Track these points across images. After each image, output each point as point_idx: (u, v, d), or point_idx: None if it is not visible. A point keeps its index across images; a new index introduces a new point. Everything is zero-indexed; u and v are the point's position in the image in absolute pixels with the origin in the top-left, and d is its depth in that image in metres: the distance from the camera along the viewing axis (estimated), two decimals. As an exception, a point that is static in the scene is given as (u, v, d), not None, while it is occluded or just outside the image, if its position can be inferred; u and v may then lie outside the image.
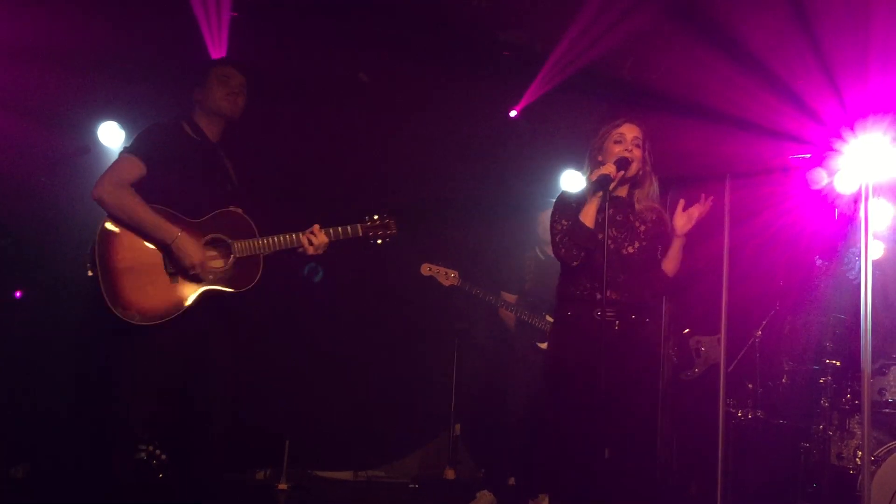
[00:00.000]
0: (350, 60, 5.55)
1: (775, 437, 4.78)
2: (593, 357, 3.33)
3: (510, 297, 5.34)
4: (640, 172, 3.63)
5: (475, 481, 5.65)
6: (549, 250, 5.40)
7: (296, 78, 5.47)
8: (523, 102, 5.65)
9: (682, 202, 3.66)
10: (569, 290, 3.61)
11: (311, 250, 3.52)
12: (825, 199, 5.13)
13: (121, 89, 5.13)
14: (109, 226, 3.33)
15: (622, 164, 3.50)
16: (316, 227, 3.55)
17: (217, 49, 4.91)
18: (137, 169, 3.38)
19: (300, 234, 3.52)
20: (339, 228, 3.59)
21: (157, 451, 4.90)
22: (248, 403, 5.52)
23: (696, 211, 3.64)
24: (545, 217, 5.42)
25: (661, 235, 3.69)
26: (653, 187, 3.68)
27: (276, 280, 5.60)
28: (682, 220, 3.63)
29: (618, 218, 3.61)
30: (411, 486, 5.93)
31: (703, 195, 3.69)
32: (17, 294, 5.02)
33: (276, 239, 3.50)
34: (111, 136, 5.14)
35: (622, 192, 3.66)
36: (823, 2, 4.51)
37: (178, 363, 3.38)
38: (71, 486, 4.37)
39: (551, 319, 5.16)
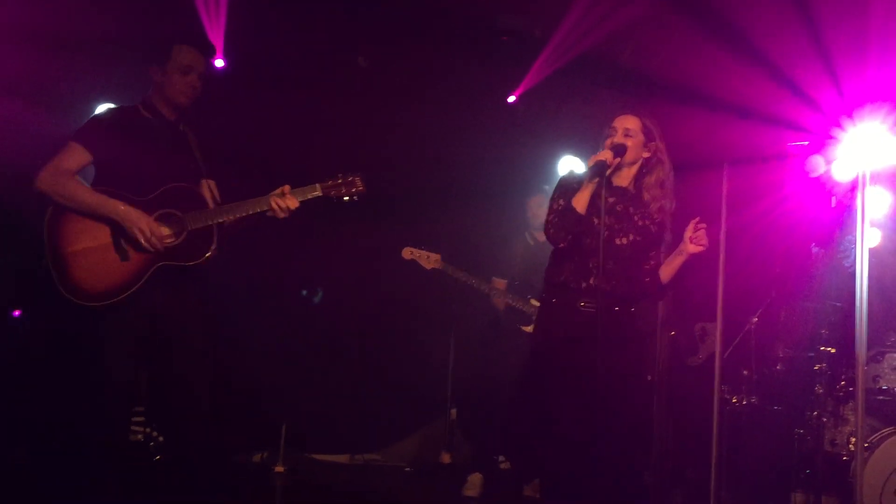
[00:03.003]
0: (348, 45, 5.54)
1: (770, 423, 4.79)
2: (575, 345, 3.34)
3: (500, 282, 5.36)
4: (641, 162, 3.61)
5: (473, 465, 5.68)
6: (538, 235, 5.48)
7: (293, 62, 5.46)
8: (522, 88, 5.64)
9: (694, 221, 3.58)
10: (555, 277, 3.62)
11: (280, 214, 3.44)
12: (823, 187, 5.13)
13: (117, 71, 5.11)
14: (55, 213, 3.34)
15: (618, 150, 3.50)
16: (286, 187, 3.47)
17: (215, 31, 4.90)
18: (80, 155, 3.40)
19: (268, 197, 3.45)
20: (297, 190, 3.48)
21: (154, 433, 4.94)
22: (244, 387, 5.56)
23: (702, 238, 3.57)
24: (534, 202, 5.45)
25: (656, 236, 3.64)
26: (660, 179, 3.61)
27: (270, 265, 5.67)
28: (690, 244, 3.57)
29: (617, 208, 3.59)
30: (407, 469, 5.96)
31: (692, 222, 3.59)
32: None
33: (234, 205, 3.45)
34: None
35: (625, 181, 3.64)
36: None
37: (139, 340, 3.38)
38: (61, 476, 4.37)
39: (536, 303, 5.23)
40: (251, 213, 3.47)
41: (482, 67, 5.60)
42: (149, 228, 3.32)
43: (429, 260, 5.17)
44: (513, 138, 6.00)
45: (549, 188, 5.49)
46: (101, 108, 5.13)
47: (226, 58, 5.14)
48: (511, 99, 5.79)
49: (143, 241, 3.32)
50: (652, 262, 3.68)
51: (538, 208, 5.43)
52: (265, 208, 3.46)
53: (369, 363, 6.14)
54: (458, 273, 5.21)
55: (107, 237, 3.34)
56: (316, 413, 5.93)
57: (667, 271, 3.65)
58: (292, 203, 3.44)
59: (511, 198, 5.71)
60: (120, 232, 3.34)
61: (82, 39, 4.95)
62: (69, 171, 3.36)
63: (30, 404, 5.02)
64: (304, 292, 5.19)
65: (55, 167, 3.36)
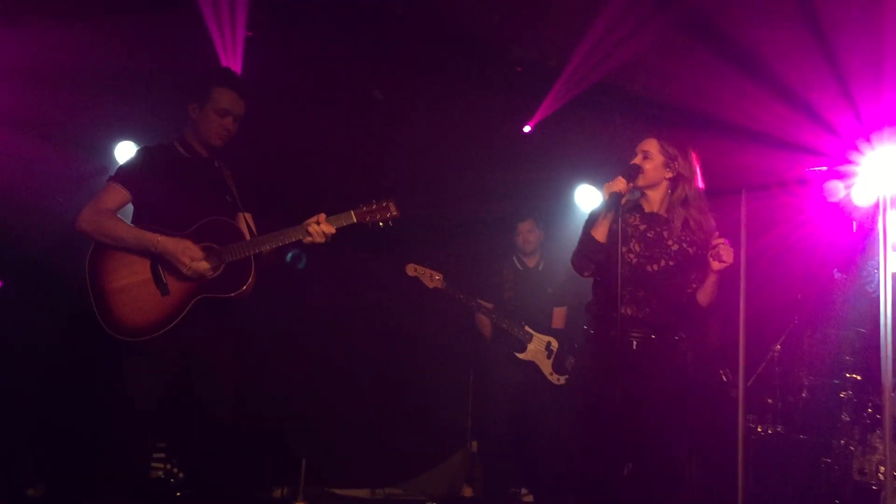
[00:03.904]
0: (364, 77, 5.59)
1: (796, 452, 4.72)
2: (613, 377, 3.30)
3: (487, 305, 5.36)
4: (665, 183, 3.57)
5: (492, 498, 5.62)
6: (528, 261, 5.48)
7: (310, 95, 5.52)
8: (537, 117, 5.66)
9: (720, 240, 3.50)
10: (591, 307, 3.61)
11: (318, 238, 3.46)
12: (842, 212, 5.09)
13: (136, 109, 5.18)
14: (96, 251, 3.40)
15: (630, 173, 3.49)
16: (322, 215, 3.50)
17: (232, 67, 4.95)
18: (119, 195, 3.46)
19: (303, 226, 3.47)
20: (332, 218, 3.51)
21: (175, 469, 4.95)
22: (264, 421, 5.55)
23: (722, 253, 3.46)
24: (524, 227, 5.46)
25: (695, 257, 3.54)
26: (682, 197, 3.55)
27: (288, 296, 5.67)
28: (712, 261, 3.49)
29: (648, 234, 3.57)
30: (428, 503, 5.90)
31: (711, 242, 3.52)
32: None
33: (271, 236, 3.48)
34: (127, 155, 5.17)
35: (656, 206, 3.61)
36: (838, 13, 4.49)
37: (177, 373, 3.40)
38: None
39: (530, 330, 5.21)
40: (288, 242, 3.50)
41: (497, 98, 5.62)
42: (188, 255, 3.35)
43: (431, 279, 5.21)
44: (529, 167, 6.01)
45: (539, 214, 5.55)
46: (125, 147, 5.22)
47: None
48: (526, 129, 5.81)
49: (185, 269, 3.35)
50: (694, 285, 3.58)
51: (528, 233, 5.44)
52: (301, 237, 3.49)
53: (389, 396, 6.11)
54: (458, 294, 5.23)
55: (147, 272, 3.39)
56: (336, 447, 5.91)
57: (701, 294, 3.57)
58: (328, 228, 3.47)
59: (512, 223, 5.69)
60: (160, 266, 3.38)
61: (102, 78, 5.03)
62: (108, 210, 3.43)
63: (55, 439, 5.05)
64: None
65: (95, 206, 3.43)
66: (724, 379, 5.16)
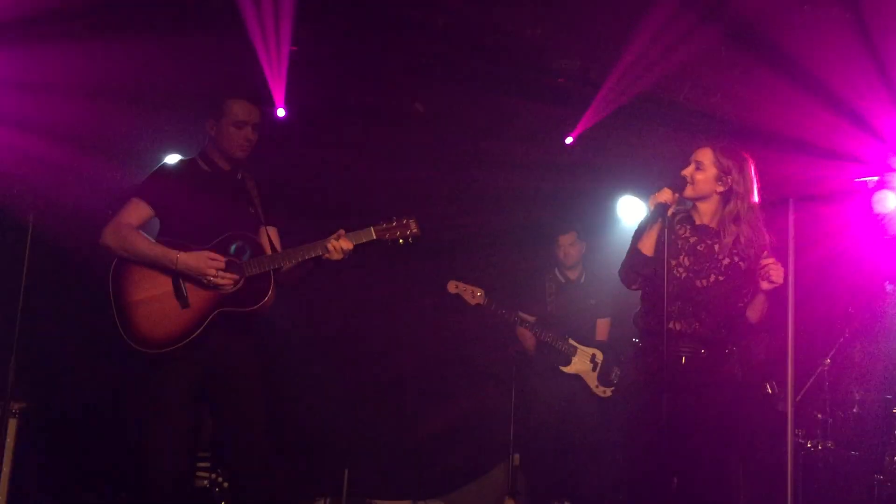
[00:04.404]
0: (406, 90, 5.62)
1: (847, 468, 4.62)
2: (659, 389, 3.26)
3: (529, 319, 5.32)
4: (720, 197, 3.49)
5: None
6: (570, 273, 5.43)
7: (352, 108, 5.56)
8: (579, 129, 5.63)
9: (770, 260, 3.45)
10: (640, 320, 3.57)
11: (335, 255, 3.46)
12: (892, 223, 4.98)
13: (184, 124, 5.26)
14: (119, 266, 3.46)
15: (676, 185, 3.44)
16: (341, 231, 3.51)
17: (276, 82, 5.01)
18: (141, 210, 3.52)
19: (323, 242, 3.48)
20: (351, 234, 3.51)
21: (220, 479, 4.99)
22: (307, 432, 5.58)
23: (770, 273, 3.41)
24: (565, 240, 5.42)
25: (748, 274, 3.47)
26: (734, 213, 3.46)
27: (332, 309, 5.71)
28: (761, 281, 3.43)
29: (699, 247, 3.50)
30: (470, 516, 5.89)
31: (761, 261, 3.46)
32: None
33: (291, 251, 3.50)
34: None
35: (706, 218, 3.53)
36: (886, 18, 4.41)
37: (196, 385, 3.43)
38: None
39: (574, 343, 5.16)
40: (307, 257, 3.51)
41: (539, 109, 5.61)
42: (211, 266, 3.38)
43: (473, 295, 5.20)
44: (571, 179, 5.98)
45: (581, 226, 5.51)
46: (163, 161, 5.29)
47: (287, 107, 5.26)
48: (568, 140, 5.79)
49: (208, 280, 3.37)
50: (747, 300, 3.52)
51: (570, 246, 5.40)
52: (320, 253, 3.50)
53: (431, 407, 6.11)
54: (500, 309, 5.21)
55: (168, 286, 3.43)
56: (378, 458, 5.92)
57: (750, 310, 3.52)
58: (346, 244, 3.48)
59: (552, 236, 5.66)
60: (180, 280, 3.41)
61: (150, 92, 5.12)
62: (131, 226, 3.48)
63: (95, 451, 5.13)
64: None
65: (118, 222, 3.49)
66: (770, 391, 5.08)
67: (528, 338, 5.38)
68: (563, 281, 5.44)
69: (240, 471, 3.53)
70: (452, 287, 5.23)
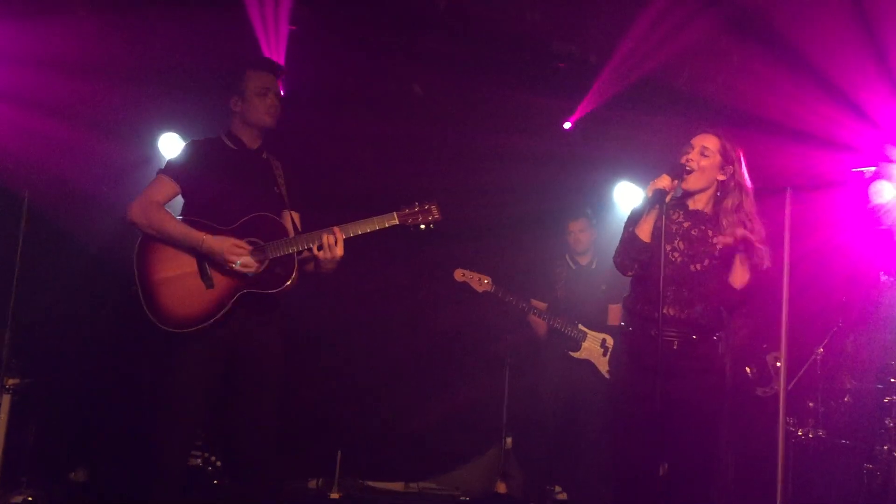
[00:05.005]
0: (405, 73, 5.60)
1: (838, 457, 4.65)
2: (651, 376, 3.27)
3: (540, 305, 5.32)
4: (718, 185, 3.47)
5: (526, 495, 5.61)
6: (580, 259, 5.44)
7: (350, 89, 5.54)
8: (578, 114, 5.62)
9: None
10: (631, 304, 3.55)
11: (321, 254, 3.41)
12: (889, 213, 4.99)
13: (181, 101, 5.24)
14: (145, 243, 3.43)
15: (676, 171, 3.40)
16: (336, 227, 3.46)
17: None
18: (168, 188, 3.49)
19: (322, 233, 3.45)
20: (375, 219, 3.48)
21: (213, 458, 5.01)
22: (301, 413, 5.60)
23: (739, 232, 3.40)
24: (576, 226, 5.41)
25: (736, 247, 3.44)
26: (741, 202, 3.43)
27: (324, 292, 5.71)
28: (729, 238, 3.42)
29: (693, 232, 3.48)
30: (462, 498, 5.91)
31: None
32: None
33: (313, 234, 3.47)
34: (171, 146, 5.24)
35: (701, 204, 3.52)
36: (885, 6, 4.40)
37: (216, 366, 3.41)
38: (128, 490, 4.45)
39: (584, 329, 5.17)
40: (314, 244, 3.49)
41: (538, 94, 5.59)
42: (235, 252, 3.37)
43: (480, 283, 5.18)
44: (569, 164, 5.98)
45: (591, 212, 5.50)
46: (169, 138, 5.28)
47: (285, 87, 5.24)
48: (567, 125, 5.78)
49: (233, 266, 3.36)
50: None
51: (580, 232, 5.39)
52: (318, 242, 3.47)
53: (424, 390, 6.13)
54: (508, 296, 5.20)
55: (192, 265, 3.41)
56: (371, 440, 5.94)
57: (732, 277, 3.48)
58: (340, 248, 3.45)
59: (561, 222, 5.67)
60: (206, 260, 3.41)
61: (148, 70, 5.10)
62: (157, 203, 3.45)
63: (97, 424, 5.15)
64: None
65: (146, 199, 3.46)
66: (749, 376, 5.12)
67: (539, 325, 5.38)
68: (574, 267, 5.43)
69: (243, 451, 3.51)
70: (459, 275, 5.21)
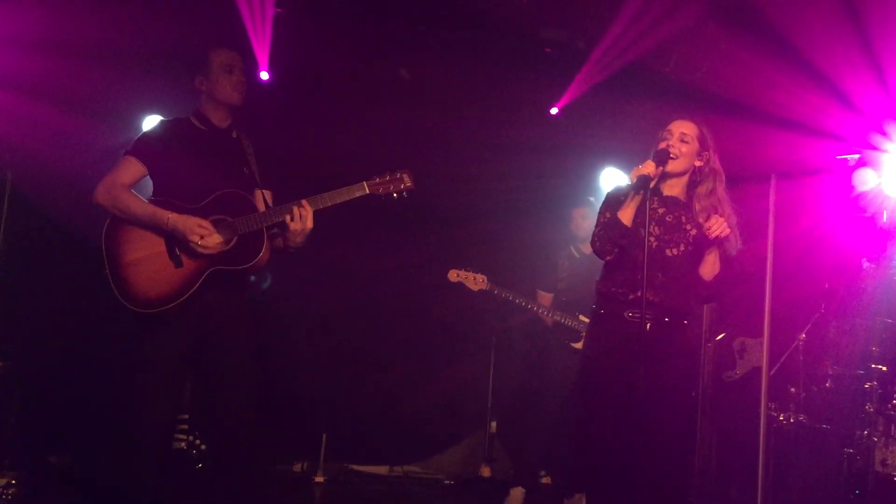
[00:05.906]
0: (391, 57, 5.57)
1: (818, 442, 4.69)
2: (624, 358, 3.29)
3: (545, 295, 5.31)
4: (694, 171, 3.53)
5: (511, 479, 5.64)
6: (584, 248, 5.43)
7: (336, 73, 5.50)
8: (564, 100, 5.61)
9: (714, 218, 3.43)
10: (605, 287, 3.57)
11: (292, 225, 3.39)
12: (873, 201, 5.02)
13: (165, 84, 5.19)
14: (113, 225, 3.42)
15: (660, 158, 3.42)
16: (304, 200, 3.42)
17: (261, 45, 4.96)
18: (134, 168, 3.47)
19: (292, 205, 3.42)
20: (344, 189, 3.43)
21: (197, 441, 5.00)
22: (287, 397, 5.60)
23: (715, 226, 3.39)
24: (578, 214, 5.40)
25: (713, 243, 3.48)
26: (714, 188, 3.51)
27: (313, 276, 5.70)
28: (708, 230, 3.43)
29: (667, 218, 3.52)
30: (447, 482, 5.94)
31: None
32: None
33: (280, 208, 3.45)
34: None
35: (676, 191, 3.56)
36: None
37: (189, 345, 3.41)
38: (110, 472, 4.44)
39: (585, 319, 5.17)
40: (282, 217, 3.46)
41: (525, 79, 5.58)
42: (197, 231, 3.36)
43: (475, 282, 5.14)
44: (555, 150, 5.97)
45: (594, 199, 5.49)
46: (152, 121, 5.24)
47: (271, 70, 5.20)
48: (554, 111, 5.77)
49: (196, 243, 3.35)
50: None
51: (583, 220, 5.38)
52: (287, 214, 3.44)
53: (410, 375, 6.13)
54: (505, 293, 5.17)
55: (161, 245, 3.40)
56: (356, 424, 5.95)
57: (703, 269, 3.52)
58: (310, 220, 3.43)
59: (554, 211, 5.67)
60: (173, 240, 3.40)
61: (132, 51, 5.05)
62: (124, 185, 3.44)
63: (79, 407, 5.12)
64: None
65: (111, 181, 3.44)
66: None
67: (546, 316, 5.37)
68: (578, 256, 5.41)
69: (221, 432, 3.52)
70: (454, 276, 5.16)
